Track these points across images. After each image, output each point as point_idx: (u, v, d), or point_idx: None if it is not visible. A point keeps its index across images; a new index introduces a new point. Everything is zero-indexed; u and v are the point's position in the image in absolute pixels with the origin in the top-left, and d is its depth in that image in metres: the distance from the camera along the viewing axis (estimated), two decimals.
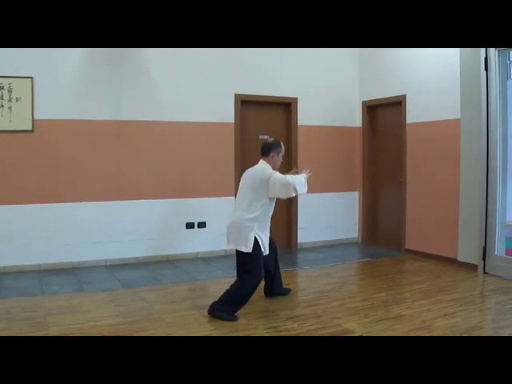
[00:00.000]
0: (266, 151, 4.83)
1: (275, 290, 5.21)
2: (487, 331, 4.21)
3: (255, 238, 4.59)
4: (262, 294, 5.19)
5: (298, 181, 4.65)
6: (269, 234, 4.84)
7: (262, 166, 4.79)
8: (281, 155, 4.88)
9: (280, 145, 4.87)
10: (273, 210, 4.79)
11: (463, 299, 5.11)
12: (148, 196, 6.91)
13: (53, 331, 4.12)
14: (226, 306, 4.52)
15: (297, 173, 4.92)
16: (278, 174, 4.63)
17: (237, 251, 4.70)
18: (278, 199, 4.82)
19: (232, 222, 4.73)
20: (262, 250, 4.65)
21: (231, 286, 4.62)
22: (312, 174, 4.85)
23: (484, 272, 6.12)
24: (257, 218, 4.62)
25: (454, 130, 6.49)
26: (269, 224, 4.81)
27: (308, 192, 4.83)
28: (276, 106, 7.85)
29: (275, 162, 4.84)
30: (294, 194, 4.65)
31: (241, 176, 4.99)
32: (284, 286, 5.35)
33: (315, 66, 7.96)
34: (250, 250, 4.57)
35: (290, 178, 4.61)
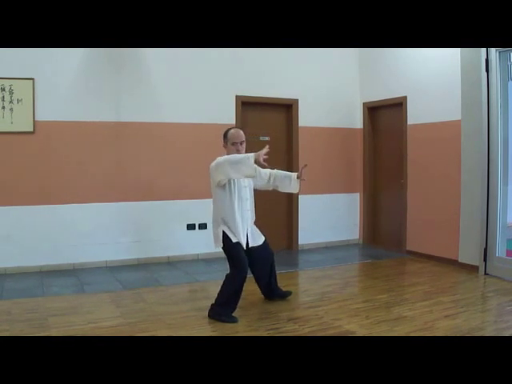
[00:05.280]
0: None
1: (274, 294, 5.13)
2: (488, 332, 4.20)
3: (223, 232, 4.58)
4: (262, 296, 5.17)
5: (233, 158, 4.41)
6: (247, 225, 4.72)
7: None
8: (230, 144, 4.66)
9: (226, 134, 4.72)
10: (235, 196, 4.61)
11: (464, 300, 5.10)
12: (149, 197, 6.91)
13: (54, 332, 4.12)
14: (221, 309, 4.51)
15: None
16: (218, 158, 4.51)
17: None
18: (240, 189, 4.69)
19: None
20: (235, 241, 4.58)
21: (221, 287, 4.61)
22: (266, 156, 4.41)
23: (485, 273, 6.11)
24: (216, 210, 4.65)
25: (455, 132, 6.49)
26: (243, 213, 4.66)
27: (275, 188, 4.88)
28: (277, 107, 7.85)
29: (228, 152, 4.65)
30: (236, 175, 4.38)
31: None
32: (284, 290, 5.24)
33: (316, 68, 7.96)
34: (221, 245, 4.60)
35: (228, 156, 4.47)
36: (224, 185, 4.59)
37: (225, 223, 4.61)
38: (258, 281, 5.05)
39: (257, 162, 4.26)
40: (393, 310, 4.80)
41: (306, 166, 4.90)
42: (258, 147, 7.26)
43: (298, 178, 4.98)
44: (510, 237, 6.11)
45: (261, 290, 5.11)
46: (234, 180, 4.60)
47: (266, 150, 4.24)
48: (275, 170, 5.08)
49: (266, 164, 4.30)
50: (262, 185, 5.05)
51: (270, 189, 5.15)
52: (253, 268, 4.86)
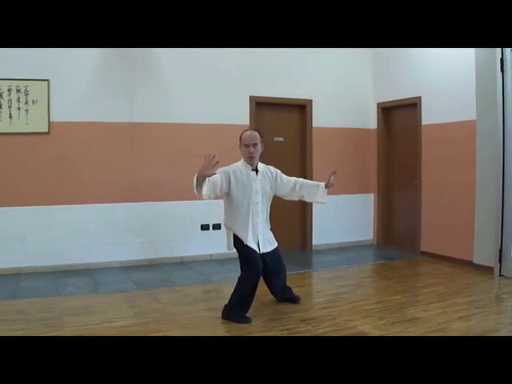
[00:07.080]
0: None
1: (284, 296, 5.05)
2: (503, 334, 4.16)
3: (234, 235, 4.60)
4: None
5: (193, 181, 4.25)
6: (258, 229, 4.64)
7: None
8: (243, 146, 4.60)
9: (240, 136, 4.67)
10: (241, 202, 4.56)
11: (479, 302, 5.06)
12: (163, 198, 6.93)
13: (68, 332, 4.14)
14: (234, 310, 4.51)
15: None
16: None
17: None
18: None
19: None
20: (246, 243, 4.55)
21: (234, 288, 4.61)
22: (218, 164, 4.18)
23: (500, 275, 6.06)
24: (225, 215, 4.68)
25: (470, 132, 6.44)
26: (253, 217, 4.61)
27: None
28: (291, 108, 7.84)
29: (242, 154, 4.66)
30: (202, 194, 4.24)
31: None
32: (298, 291, 5.18)
33: (330, 68, 7.95)
34: (232, 247, 4.63)
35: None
36: (227, 193, 4.58)
37: (235, 229, 4.61)
38: (268, 285, 4.99)
39: (207, 176, 4.14)
40: (407, 311, 4.77)
41: (335, 172, 4.85)
42: (271, 148, 7.35)
43: (325, 186, 4.91)
44: None
45: (271, 291, 5.05)
46: (238, 187, 4.55)
47: (207, 162, 4.04)
48: (301, 179, 5.00)
49: (216, 173, 4.25)
50: (286, 193, 4.92)
51: (296, 199, 5.05)
52: (263, 273, 4.77)
